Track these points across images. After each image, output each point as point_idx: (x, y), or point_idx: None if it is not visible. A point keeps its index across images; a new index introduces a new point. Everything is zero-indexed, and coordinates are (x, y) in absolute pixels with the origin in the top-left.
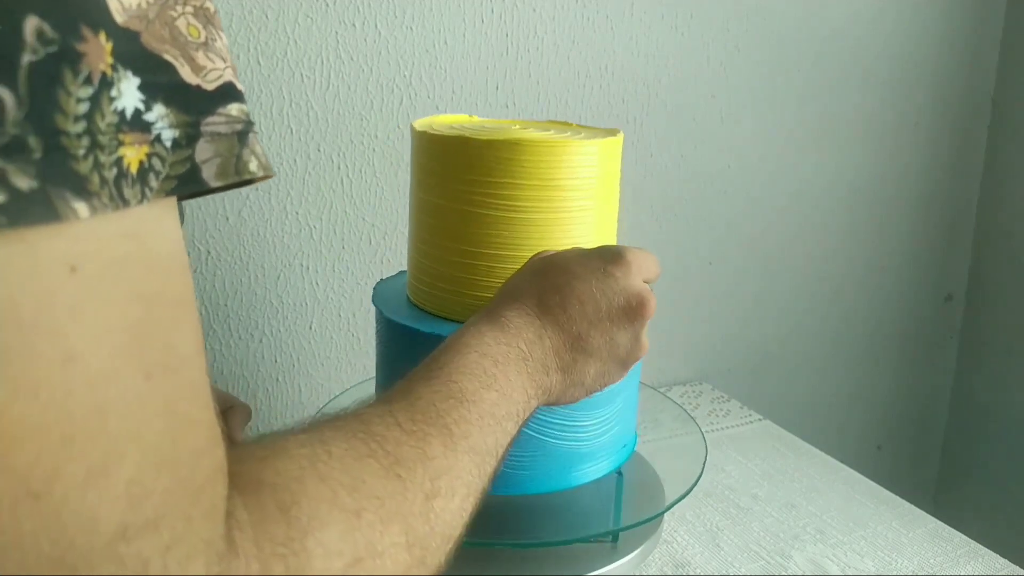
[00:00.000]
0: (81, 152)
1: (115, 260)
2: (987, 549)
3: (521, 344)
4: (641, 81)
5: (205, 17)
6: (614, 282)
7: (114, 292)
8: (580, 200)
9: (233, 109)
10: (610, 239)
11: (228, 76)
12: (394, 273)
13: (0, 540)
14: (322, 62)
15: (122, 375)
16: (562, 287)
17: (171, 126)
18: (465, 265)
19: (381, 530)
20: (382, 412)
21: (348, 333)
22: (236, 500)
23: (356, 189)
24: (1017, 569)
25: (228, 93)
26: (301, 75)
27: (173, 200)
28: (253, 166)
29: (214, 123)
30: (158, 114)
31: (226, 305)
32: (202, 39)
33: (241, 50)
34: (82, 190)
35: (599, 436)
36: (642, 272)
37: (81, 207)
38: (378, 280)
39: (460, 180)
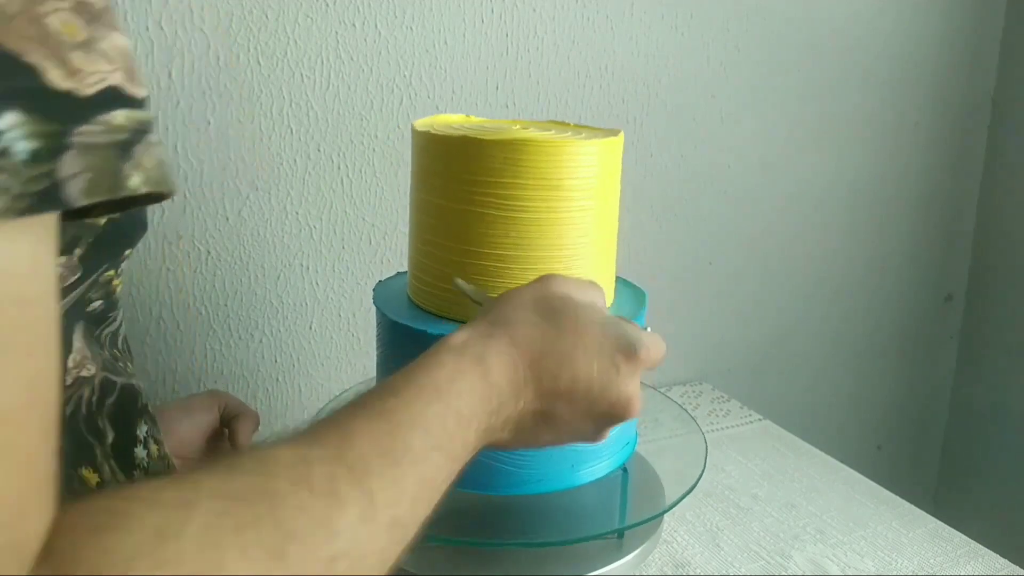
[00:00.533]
0: None
1: None
2: (987, 549)
3: (494, 402)
4: (641, 81)
5: (89, 13)
6: (616, 377)
7: None
8: (581, 200)
9: (118, 117)
10: (611, 238)
11: (116, 80)
12: (393, 274)
13: None
14: (322, 62)
15: None
16: (564, 358)
17: (27, 136)
18: (467, 265)
19: None
20: (297, 460)
21: (348, 333)
22: None
23: (356, 189)
24: (1017, 569)
25: (112, 99)
26: (301, 75)
27: (26, 222)
28: (135, 182)
29: (88, 132)
30: (8, 123)
31: (226, 305)
32: (82, 38)
33: (241, 50)
34: None
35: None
36: (647, 363)
37: None
38: (377, 281)
39: (462, 180)
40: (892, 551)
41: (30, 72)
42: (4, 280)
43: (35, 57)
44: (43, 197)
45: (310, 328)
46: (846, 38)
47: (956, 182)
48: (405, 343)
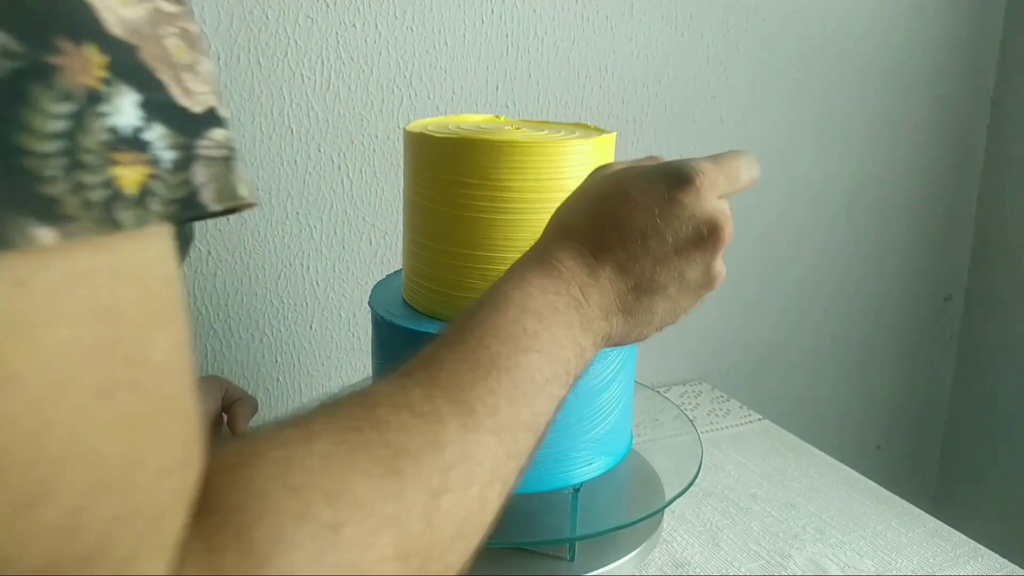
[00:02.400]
0: (54, 173)
1: (75, 274)
2: (987, 549)
3: (574, 290)
4: (641, 81)
5: (189, 39)
6: (681, 210)
7: (70, 307)
8: None
9: (217, 134)
10: None
11: (212, 101)
12: (391, 274)
13: None
14: (322, 62)
15: (71, 394)
16: (622, 219)
17: (169, 147)
18: (457, 267)
19: (367, 543)
20: (394, 390)
21: (348, 333)
22: (193, 526)
23: (356, 189)
24: (1017, 569)
25: (212, 118)
26: (302, 75)
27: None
28: (244, 191)
29: (203, 147)
30: (157, 134)
31: (226, 305)
32: (188, 61)
33: (242, 51)
34: (50, 214)
35: (595, 434)
36: (718, 187)
37: (45, 233)
38: (375, 280)
39: (452, 182)
40: (892, 551)
41: (162, 88)
42: (158, 260)
43: (163, 75)
44: (186, 203)
45: (310, 328)
46: (846, 38)
47: (955, 182)
48: (398, 343)
